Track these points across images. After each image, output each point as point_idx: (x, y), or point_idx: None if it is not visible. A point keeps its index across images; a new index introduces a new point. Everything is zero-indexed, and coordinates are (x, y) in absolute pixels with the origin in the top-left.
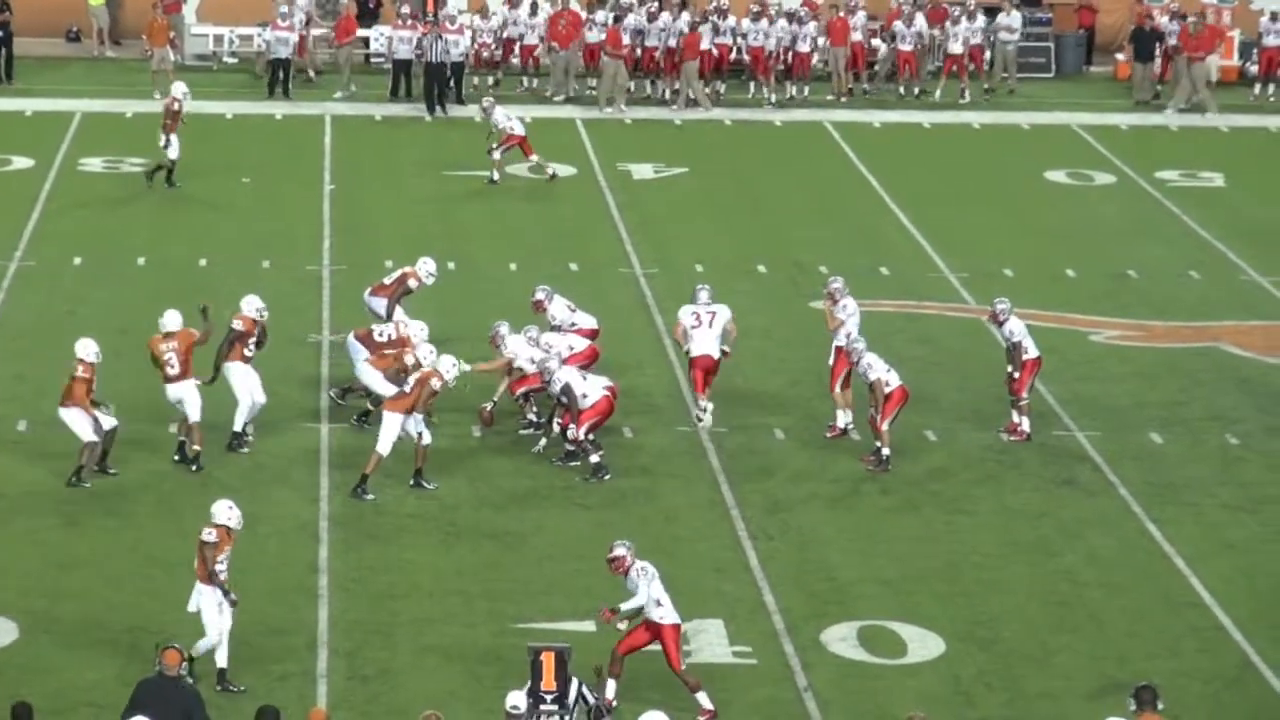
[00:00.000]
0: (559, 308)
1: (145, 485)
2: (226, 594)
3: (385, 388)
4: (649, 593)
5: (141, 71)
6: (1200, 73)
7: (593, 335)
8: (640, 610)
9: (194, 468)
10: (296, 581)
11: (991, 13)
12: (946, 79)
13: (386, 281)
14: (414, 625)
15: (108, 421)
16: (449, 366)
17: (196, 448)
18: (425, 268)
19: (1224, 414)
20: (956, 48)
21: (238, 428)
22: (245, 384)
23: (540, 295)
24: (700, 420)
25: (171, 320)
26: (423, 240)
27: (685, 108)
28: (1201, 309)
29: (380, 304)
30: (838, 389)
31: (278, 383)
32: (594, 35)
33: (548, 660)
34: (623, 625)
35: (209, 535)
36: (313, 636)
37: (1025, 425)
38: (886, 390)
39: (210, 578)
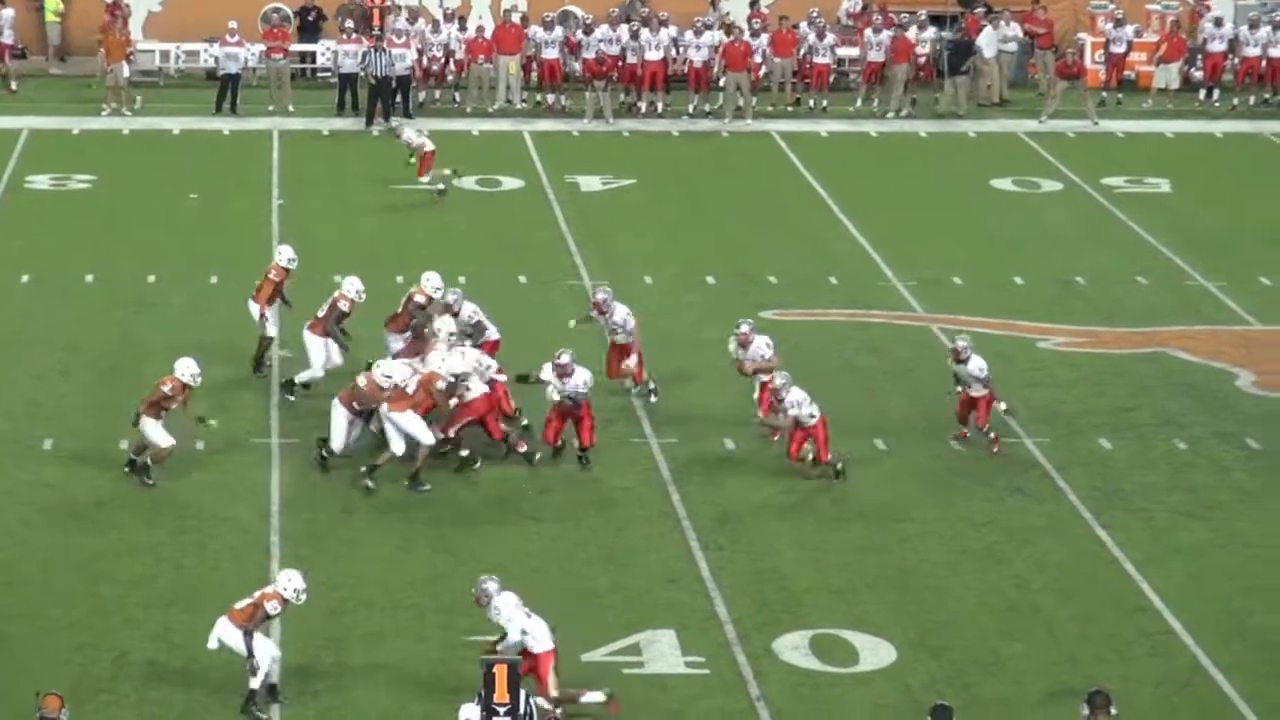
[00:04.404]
0: (469, 312)
1: (93, 501)
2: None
3: (419, 428)
4: (518, 627)
5: (88, 88)
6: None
7: (493, 349)
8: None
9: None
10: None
11: (937, 21)
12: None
13: (320, 314)
14: (366, 640)
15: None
16: (355, 290)
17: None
18: (353, 287)
19: (1172, 419)
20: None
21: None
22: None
23: (451, 298)
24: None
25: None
26: (371, 254)
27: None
28: (1149, 314)
29: (317, 341)
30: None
31: (227, 397)
32: (550, 52)
33: (500, 673)
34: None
35: (274, 609)
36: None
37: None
38: (810, 423)
39: (246, 633)
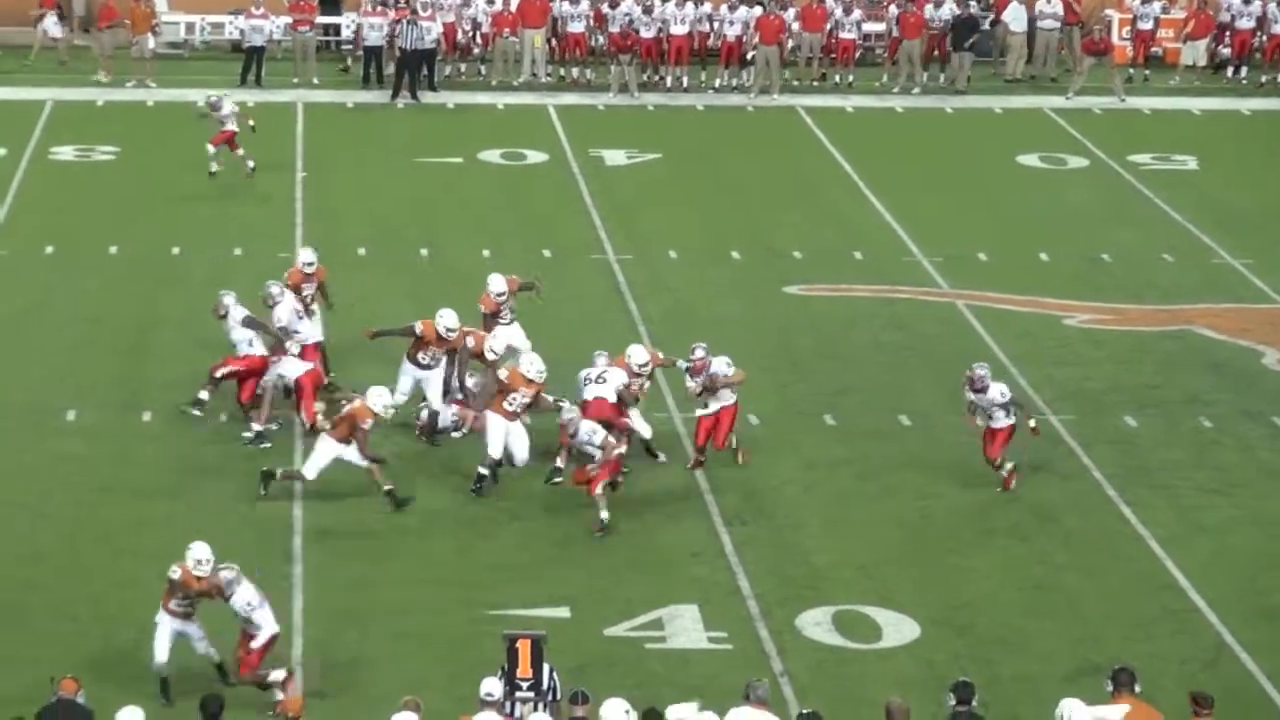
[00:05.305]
0: (286, 311)
1: (115, 474)
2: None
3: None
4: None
5: (114, 60)
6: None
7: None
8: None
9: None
10: (271, 569)
11: None
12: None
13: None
14: (388, 613)
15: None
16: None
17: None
18: (303, 257)
19: (1198, 397)
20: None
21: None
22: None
23: (274, 289)
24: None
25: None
26: (394, 227)
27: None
28: (1175, 292)
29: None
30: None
31: None
32: (576, 26)
33: (523, 648)
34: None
35: (173, 573)
36: (288, 625)
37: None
38: (616, 454)
39: (170, 611)
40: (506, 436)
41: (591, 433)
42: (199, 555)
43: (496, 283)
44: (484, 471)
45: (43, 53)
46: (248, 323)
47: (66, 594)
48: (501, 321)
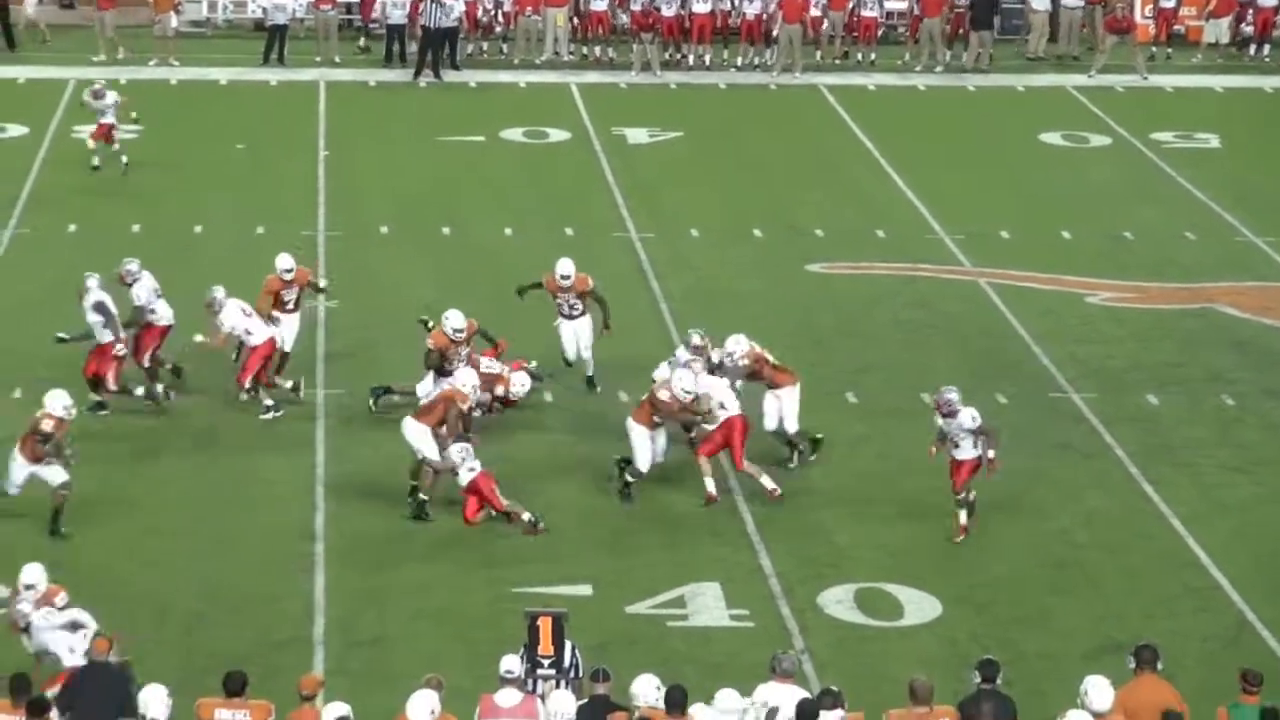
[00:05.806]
0: (145, 290)
1: (138, 452)
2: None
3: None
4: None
5: (136, 38)
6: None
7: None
8: None
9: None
10: (293, 548)
11: None
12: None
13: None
14: (410, 591)
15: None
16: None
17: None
18: (281, 264)
19: (1220, 375)
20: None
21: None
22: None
23: (131, 265)
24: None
25: None
26: (416, 206)
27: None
28: (1197, 270)
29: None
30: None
31: None
32: (598, 4)
33: (544, 625)
34: None
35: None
36: (309, 603)
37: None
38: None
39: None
40: (652, 443)
41: (462, 456)
42: (29, 579)
43: (565, 265)
44: (629, 480)
45: (28, 30)
46: (97, 308)
47: (91, 572)
48: (564, 315)
